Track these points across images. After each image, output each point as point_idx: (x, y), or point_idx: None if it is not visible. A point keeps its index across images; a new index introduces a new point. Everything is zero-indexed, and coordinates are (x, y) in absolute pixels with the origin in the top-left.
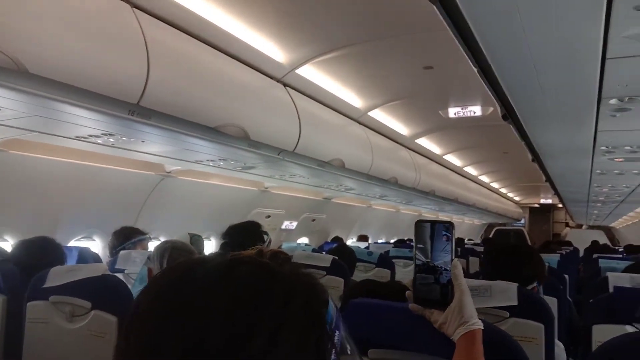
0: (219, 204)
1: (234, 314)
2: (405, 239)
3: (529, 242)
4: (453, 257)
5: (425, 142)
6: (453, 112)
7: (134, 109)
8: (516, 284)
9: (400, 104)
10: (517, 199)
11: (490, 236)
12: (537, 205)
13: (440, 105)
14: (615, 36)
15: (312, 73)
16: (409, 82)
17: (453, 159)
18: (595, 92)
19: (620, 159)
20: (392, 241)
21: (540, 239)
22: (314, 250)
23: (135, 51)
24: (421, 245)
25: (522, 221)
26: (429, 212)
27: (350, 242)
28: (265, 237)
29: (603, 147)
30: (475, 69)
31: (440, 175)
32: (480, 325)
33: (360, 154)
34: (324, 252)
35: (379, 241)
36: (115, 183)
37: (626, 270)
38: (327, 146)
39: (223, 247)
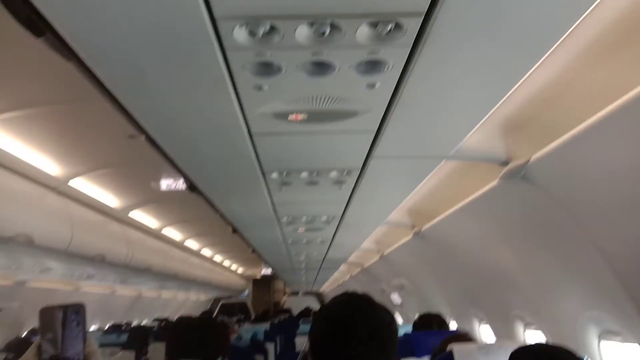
0: None
1: None
2: (123, 322)
3: (252, 313)
4: (85, 343)
5: (139, 215)
6: (165, 184)
7: None
8: None
9: (108, 173)
10: (240, 271)
11: (216, 311)
12: (259, 277)
13: (152, 176)
14: (250, 114)
15: None
16: (115, 150)
17: (172, 232)
18: (257, 166)
19: (302, 229)
20: (106, 327)
21: (262, 308)
22: None
23: None
24: (50, 335)
25: (246, 292)
26: (151, 290)
27: None
28: None
29: (284, 218)
30: (142, 137)
31: (158, 250)
32: None
33: (57, 229)
34: None
35: (91, 329)
36: None
37: None
38: (9, 219)
39: None
